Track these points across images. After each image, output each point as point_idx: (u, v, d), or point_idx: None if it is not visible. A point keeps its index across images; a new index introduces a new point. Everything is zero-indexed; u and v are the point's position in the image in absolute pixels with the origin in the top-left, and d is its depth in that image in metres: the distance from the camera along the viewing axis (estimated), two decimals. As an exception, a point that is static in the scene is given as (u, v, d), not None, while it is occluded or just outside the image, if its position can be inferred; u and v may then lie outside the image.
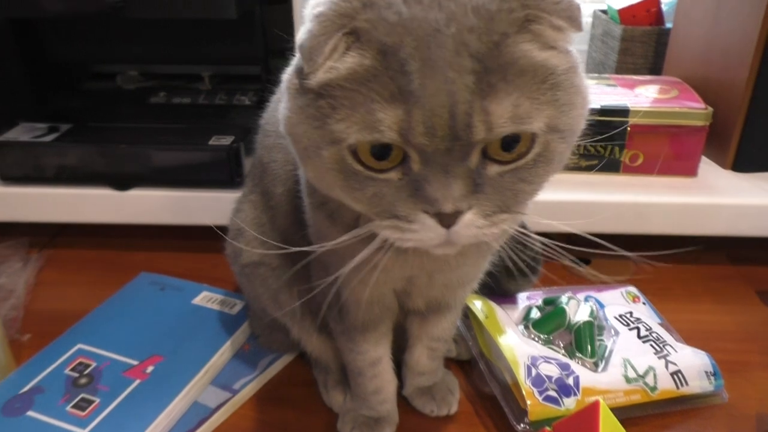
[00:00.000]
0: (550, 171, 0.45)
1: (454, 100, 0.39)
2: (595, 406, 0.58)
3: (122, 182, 0.99)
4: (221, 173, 0.97)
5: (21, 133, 1.01)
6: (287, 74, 0.47)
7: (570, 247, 0.56)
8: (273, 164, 0.67)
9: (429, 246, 0.44)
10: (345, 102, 0.41)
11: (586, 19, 1.45)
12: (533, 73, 0.40)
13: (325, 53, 0.40)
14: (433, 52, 0.39)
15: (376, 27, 0.40)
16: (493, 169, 0.42)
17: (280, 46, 0.85)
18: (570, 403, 0.68)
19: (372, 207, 0.44)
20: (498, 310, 0.79)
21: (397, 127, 0.40)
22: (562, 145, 0.44)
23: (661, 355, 0.74)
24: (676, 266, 1.03)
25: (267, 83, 0.71)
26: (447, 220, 0.42)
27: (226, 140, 0.97)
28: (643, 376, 0.71)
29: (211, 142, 0.97)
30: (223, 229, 0.77)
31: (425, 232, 0.43)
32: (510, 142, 0.42)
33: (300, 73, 0.44)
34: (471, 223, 0.42)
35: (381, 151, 0.42)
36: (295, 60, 0.45)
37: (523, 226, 0.79)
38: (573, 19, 0.41)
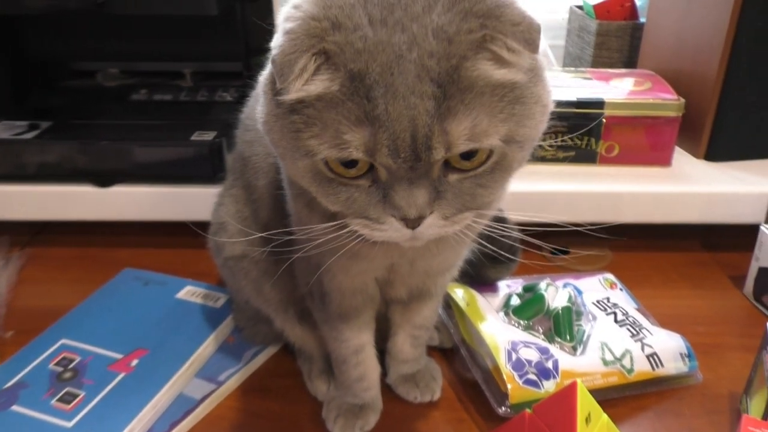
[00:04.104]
0: (507, 176, 0.48)
1: (415, 124, 0.41)
2: (572, 386, 0.60)
3: (104, 179, 0.99)
4: (203, 169, 0.97)
5: (1, 131, 1.00)
6: (263, 77, 0.48)
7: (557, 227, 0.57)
8: (254, 158, 0.67)
9: (396, 241, 0.48)
10: (316, 121, 0.43)
11: (563, 15, 1.48)
12: (491, 92, 0.42)
13: (294, 72, 0.42)
14: (396, 79, 0.41)
15: (343, 51, 0.42)
16: (454, 177, 0.45)
17: (261, 42, 0.85)
18: (549, 386, 0.69)
19: (346, 208, 0.47)
20: (479, 298, 0.81)
21: (364, 147, 0.42)
22: (519, 153, 0.46)
23: (637, 338, 0.76)
24: (651, 254, 1.05)
25: (248, 80, 0.72)
26: (411, 223, 0.45)
27: (209, 136, 0.98)
28: (620, 359, 0.73)
29: (193, 138, 0.97)
30: (204, 225, 0.77)
31: (392, 231, 0.46)
32: (469, 154, 0.44)
33: (274, 84, 0.45)
34: (432, 224, 0.46)
35: (349, 162, 0.44)
36: (270, 68, 0.46)
37: (501, 216, 0.81)
38: (530, 42, 0.42)
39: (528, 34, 0.42)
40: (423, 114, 0.41)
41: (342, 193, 0.46)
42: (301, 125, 0.44)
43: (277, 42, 0.43)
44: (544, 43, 1.41)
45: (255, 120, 0.67)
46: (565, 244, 1.03)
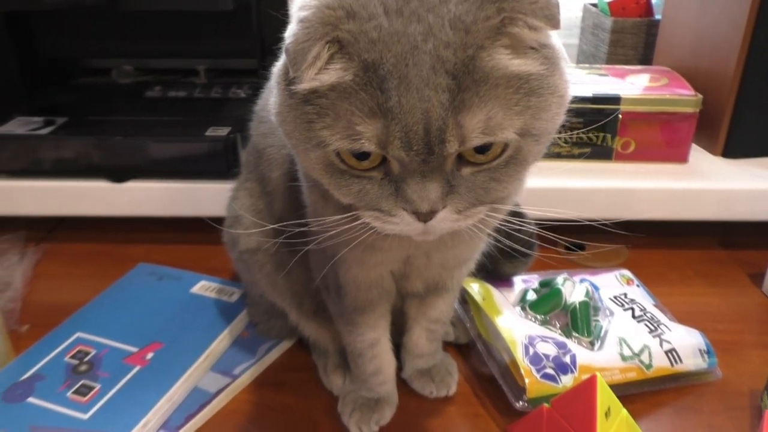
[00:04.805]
0: (521, 170, 0.47)
1: (428, 117, 0.41)
2: (592, 380, 0.59)
3: (119, 175, 0.99)
4: (218, 164, 0.97)
5: (17, 127, 1.01)
6: (277, 68, 0.48)
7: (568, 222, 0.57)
8: (269, 149, 0.67)
9: (408, 234, 0.47)
10: (329, 111, 0.43)
11: (576, 13, 1.47)
12: (507, 84, 0.42)
13: (308, 61, 0.41)
14: (411, 70, 0.40)
15: (357, 40, 0.41)
16: (467, 170, 0.45)
17: (277, 39, 0.85)
18: (567, 381, 0.69)
19: (358, 201, 0.47)
20: (495, 293, 0.80)
21: (376, 139, 0.42)
22: (535, 147, 0.45)
23: (655, 334, 0.75)
24: (668, 251, 1.04)
25: (263, 70, 0.72)
26: (423, 217, 0.45)
27: (223, 131, 0.98)
28: (638, 354, 0.73)
29: (207, 134, 0.98)
30: (218, 221, 0.77)
31: (404, 225, 0.46)
32: (483, 147, 0.43)
33: (287, 74, 0.45)
34: (445, 218, 0.45)
35: (362, 154, 0.44)
36: (283, 58, 0.46)
37: (518, 210, 0.80)
38: (550, 17, 0.41)
39: (547, 9, 0.41)
40: (437, 106, 0.40)
41: (354, 185, 0.46)
42: (314, 116, 0.43)
43: (290, 31, 0.43)
44: (557, 41, 1.40)
45: (269, 112, 0.68)
46: (580, 240, 1.02)
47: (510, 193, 0.54)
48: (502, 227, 0.69)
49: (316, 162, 0.46)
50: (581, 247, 1.03)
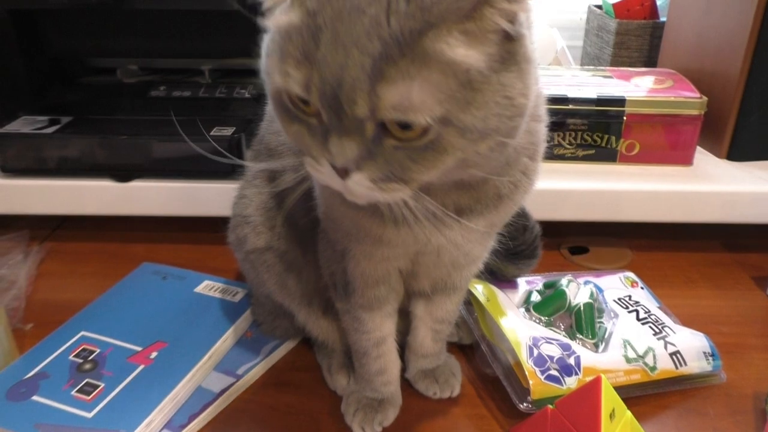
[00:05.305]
0: (443, 160, 0.45)
1: (343, 74, 0.41)
2: (596, 382, 0.59)
3: (123, 174, 0.99)
4: (223, 164, 0.97)
5: (22, 126, 1.01)
6: None
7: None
8: (281, 147, 0.68)
9: (336, 189, 0.48)
10: (278, 49, 0.44)
11: (581, 15, 1.47)
12: (439, 68, 0.41)
13: None
14: (343, 27, 0.41)
15: None
16: (389, 143, 0.44)
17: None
18: (571, 382, 0.69)
19: (296, 142, 0.48)
20: (499, 294, 0.80)
21: (303, 84, 0.43)
22: (459, 140, 0.43)
23: (660, 336, 0.75)
24: (672, 254, 1.04)
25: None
26: (340, 172, 0.46)
27: (228, 131, 0.98)
28: (642, 357, 0.72)
29: (212, 133, 0.98)
30: (223, 221, 0.78)
31: (327, 176, 0.47)
32: (405, 124, 0.43)
33: None
34: (359, 183, 0.45)
35: (302, 98, 0.45)
36: None
37: (523, 212, 0.80)
38: None
39: None
40: (356, 67, 0.40)
41: (294, 125, 0.47)
42: (271, 50, 0.45)
43: None
44: (561, 43, 1.40)
45: None
46: (584, 242, 1.02)
47: (423, 177, 0.49)
48: (507, 229, 0.69)
49: (270, 93, 0.48)
50: (585, 250, 1.03)
